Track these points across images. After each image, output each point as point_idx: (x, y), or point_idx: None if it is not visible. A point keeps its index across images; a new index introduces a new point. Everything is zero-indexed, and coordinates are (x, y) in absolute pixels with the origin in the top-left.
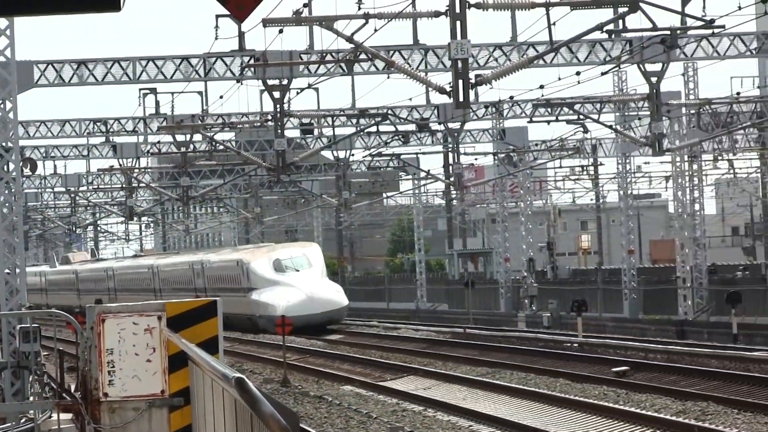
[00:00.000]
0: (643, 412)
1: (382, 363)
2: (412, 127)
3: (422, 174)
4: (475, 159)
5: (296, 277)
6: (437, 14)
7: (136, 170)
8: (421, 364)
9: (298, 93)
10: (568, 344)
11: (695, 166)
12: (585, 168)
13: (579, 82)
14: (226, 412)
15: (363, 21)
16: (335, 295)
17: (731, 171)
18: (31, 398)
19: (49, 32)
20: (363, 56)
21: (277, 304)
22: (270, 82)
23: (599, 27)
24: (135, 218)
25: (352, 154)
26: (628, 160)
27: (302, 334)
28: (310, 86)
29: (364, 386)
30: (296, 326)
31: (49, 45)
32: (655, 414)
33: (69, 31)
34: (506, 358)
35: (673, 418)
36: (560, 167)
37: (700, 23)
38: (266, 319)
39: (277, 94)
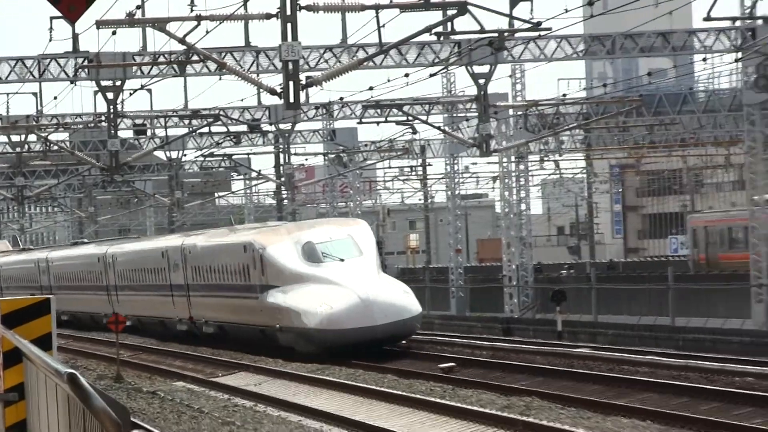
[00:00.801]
0: (469, 407)
1: (214, 359)
2: (243, 127)
3: (253, 174)
4: (306, 159)
5: (340, 270)
6: (268, 16)
7: None
8: (252, 361)
9: (131, 94)
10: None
11: (522, 167)
12: (414, 168)
13: (408, 84)
14: (59, 407)
15: (195, 23)
16: (404, 299)
17: (557, 171)
18: None
19: None
20: (195, 58)
21: (312, 312)
22: (103, 83)
23: (428, 29)
24: None
25: (185, 155)
26: (455, 161)
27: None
28: (143, 87)
29: (196, 382)
30: (345, 343)
31: None
32: (481, 409)
33: None
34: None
35: (499, 413)
36: (389, 167)
37: (527, 26)
38: (294, 334)
39: (110, 95)
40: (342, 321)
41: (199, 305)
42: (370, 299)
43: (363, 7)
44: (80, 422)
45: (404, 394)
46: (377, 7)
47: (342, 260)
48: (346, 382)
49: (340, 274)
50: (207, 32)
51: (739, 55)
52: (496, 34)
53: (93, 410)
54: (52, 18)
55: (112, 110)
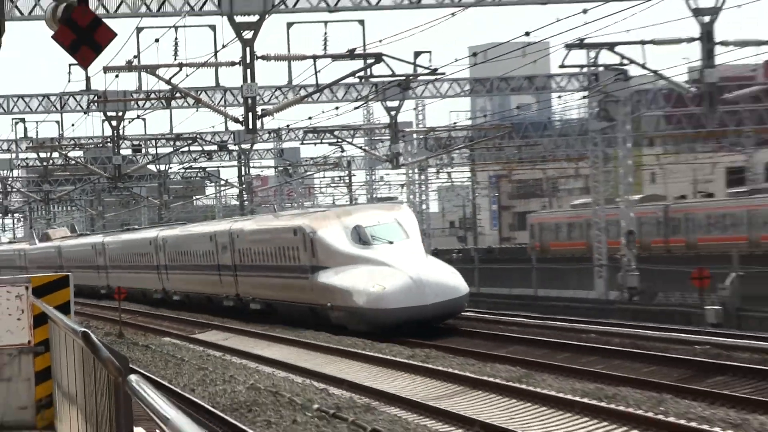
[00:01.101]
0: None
1: (193, 321)
2: (215, 147)
3: (222, 182)
4: (261, 171)
5: (389, 252)
6: (233, 64)
7: (10, 179)
8: (221, 322)
9: (130, 122)
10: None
11: (423, 177)
12: (342, 178)
13: (337, 115)
14: (75, 357)
15: (178, 68)
16: (452, 278)
17: (449, 180)
18: None
19: None
20: (178, 95)
21: (366, 291)
22: (109, 113)
23: (353, 74)
24: (9, 214)
25: (170, 168)
26: (373, 172)
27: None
28: (138, 117)
29: (179, 338)
30: (396, 322)
31: None
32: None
33: None
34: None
35: (405, 360)
36: (324, 177)
37: (427, 71)
38: (347, 312)
39: (114, 123)
40: (394, 300)
41: (247, 284)
42: (421, 279)
43: (304, 57)
44: (91, 369)
45: (336, 347)
46: (315, 57)
47: (391, 243)
48: (293, 338)
49: (390, 256)
50: (187, 75)
51: (586, 93)
52: (403, 78)
53: (101, 359)
54: (70, 65)
55: (115, 134)
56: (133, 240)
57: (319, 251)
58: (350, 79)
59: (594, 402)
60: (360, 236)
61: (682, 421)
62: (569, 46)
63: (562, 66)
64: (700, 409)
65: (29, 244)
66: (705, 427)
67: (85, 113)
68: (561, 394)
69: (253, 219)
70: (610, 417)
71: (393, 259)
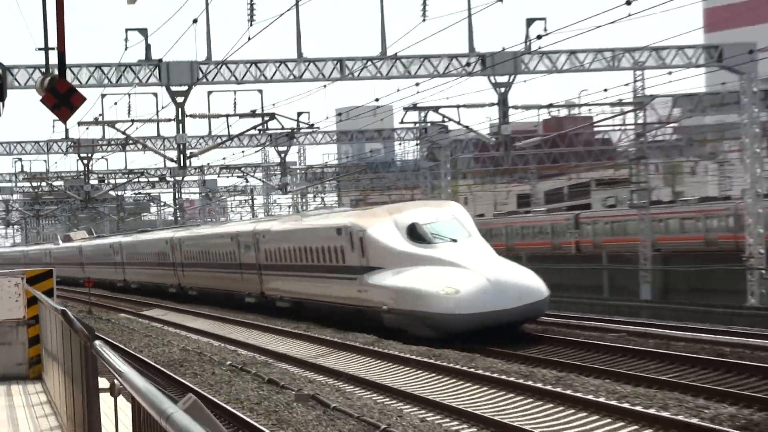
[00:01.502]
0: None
1: (140, 302)
2: (156, 179)
3: (162, 204)
4: (189, 196)
5: (455, 251)
6: (169, 120)
7: (11, 200)
8: (160, 302)
9: (96, 160)
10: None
11: (304, 200)
12: (247, 201)
13: (243, 155)
14: (56, 328)
15: (130, 123)
16: (533, 280)
17: (323, 203)
18: None
19: None
20: (131, 141)
21: (437, 295)
22: (82, 155)
23: (254, 127)
24: (10, 226)
25: (125, 193)
26: (269, 197)
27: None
28: (102, 157)
29: (131, 314)
30: (471, 328)
31: None
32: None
33: None
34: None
35: (291, 329)
36: (234, 200)
37: (306, 126)
38: (406, 316)
39: (85, 162)
40: (470, 305)
41: (273, 282)
42: (500, 281)
43: (219, 115)
44: (68, 336)
45: (244, 320)
46: (227, 115)
47: (454, 241)
48: (215, 314)
49: (457, 255)
50: (137, 128)
51: (418, 142)
52: (290, 130)
53: (74, 329)
54: (53, 120)
55: (86, 170)
56: (149, 240)
57: (371, 251)
58: (252, 131)
59: None
60: (418, 234)
61: None
62: (406, 109)
63: (401, 122)
64: None
65: (54, 244)
66: None
67: (64, 154)
68: None
69: (278, 220)
70: None
71: (461, 258)
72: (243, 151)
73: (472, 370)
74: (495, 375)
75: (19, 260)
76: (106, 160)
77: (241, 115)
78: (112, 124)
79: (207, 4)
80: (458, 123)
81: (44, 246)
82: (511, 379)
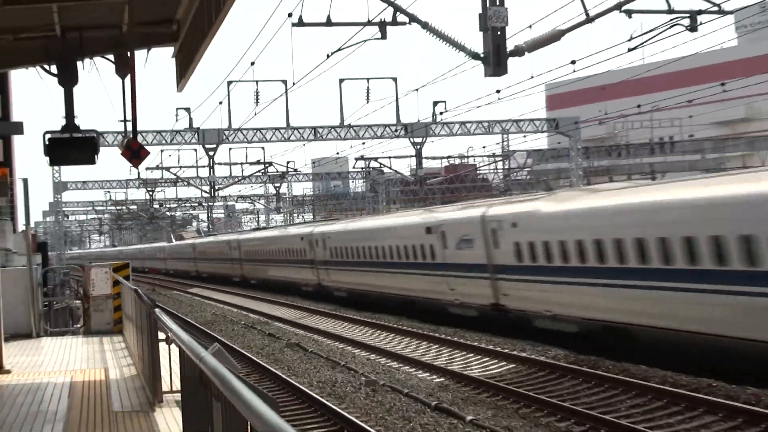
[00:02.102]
0: None
1: (183, 283)
2: (196, 204)
3: (200, 221)
4: (217, 215)
5: None
6: (204, 166)
7: (99, 221)
8: (194, 284)
9: (158, 193)
10: None
11: (290, 217)
12: (254, 218)
13: (252, 188)
14: (131, 300)
15: (179, 168)
16: None
17: (304, 219)
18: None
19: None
20: (180, 181)
21: None
22: (148, 189)
23: (259, 171)
24: (101, 234)
25: (176, 214)
26: (269, 216)
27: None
28: (161, 190)
29: (180, 292)
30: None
31: None
32: None
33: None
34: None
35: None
36: (246, 217)
37: (293, 170)
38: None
39: (149, 195)
40: None
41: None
42: None
43: (236, 164)
44: (138, 305)
45: (251, 295)
46: (242, 164)
47: None
48: (232, 291)
49: None
50: (183, 171)
51: (364, 180)
52: (282, 173)
53: (142, 300)
54: (129, 167)
55: (150, 200)
56: (278, 237)
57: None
58: (257, 173)
59: None
60: None
61: None
62: (357, 159)
63: (353, 168)
64: None
65: (167, 242)
66: None
67: (137, 188)
68: None
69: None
70: None
71: None
72: (251, 186)
73: (400, 327)
74: (416, 330)
75: (137, 255)
76: (163, 191)
77: (251, 163)
78: (167, 168)
79: (228, 92)
80: (390, 168)
81: (159, 244)
82: (424, 332)
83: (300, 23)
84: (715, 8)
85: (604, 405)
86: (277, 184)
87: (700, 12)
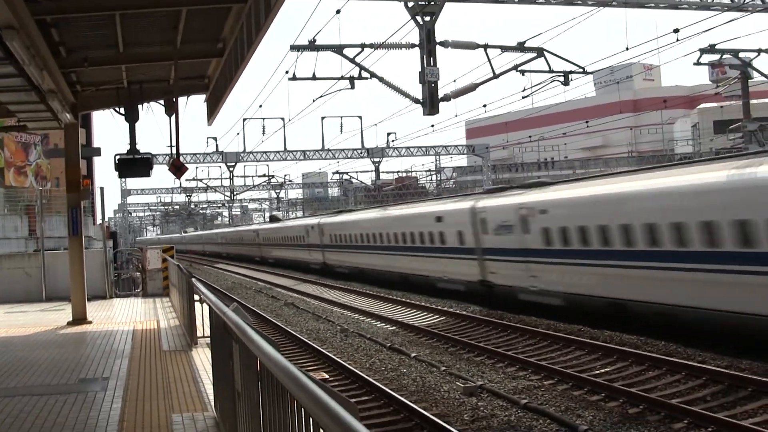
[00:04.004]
0: None
1: (213, 261)
2: (220, 206)
3: (225, 216)
4: (236, 212)
5: None
6: (226, 178)
7: (147, 215)
8: (222, 262)
9: (194, 195)
10: None
11: (286, 215)
12: (261, 215)
13: (260, 194)
14: (175, 272)
15: (209, 180)
16: None
17: (296, 216)
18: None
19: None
20: (210, 188)
21: None
22: (186, 195)
23: (264, 182)
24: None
25: (205, 211)
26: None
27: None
28: (196, 195)
29: (210, 267)
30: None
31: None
32: None
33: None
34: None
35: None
36: (257, 214)
37: (289, 181)
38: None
39: (188, 198)
40: None
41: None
42: None
43: (249, 176)
44: (180, 275)
45: (264, 269)
46: (253, 177)
47: None
48: (247, 266)
49: None
50: (211, 181)
51: (339, 188)
52: (281, 183)
53: (183, 273)
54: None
55: (189, 202)
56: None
57: None
58: (263, 183)
59: None
60: None
61: None
62: (334, 173)
63: (330, 180)
64: None
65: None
66: None
67: (179, 194)
68: None
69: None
70: None
71: None
72: (259, 192)
73: (365, 291)
74: (376, 293)
75: (235, 238)
76: (198, 196)
77: (259, 176)
78: (200, 180)
79: (243, 126)
80: (357, 179)
81: (253, 227)
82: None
83: (294, 78)
84: (581, 70)
85: (506, 344)
86: (278, 191)
87: (571, 72)
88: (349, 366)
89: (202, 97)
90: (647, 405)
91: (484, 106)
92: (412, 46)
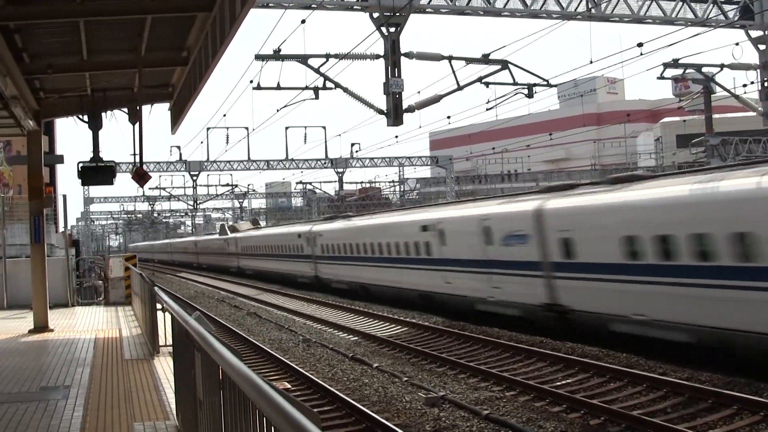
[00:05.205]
0: None
1: (180, 270)
2: (183, 215)
3: (187, 226)
4: (198, 221)
5: None
6: (190, 187)
7: (116, 224)
8: (188, 271)
9: (157, 204)
10: None
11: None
12: (224, 224)
13: (222, 203)
14: (138, 281)
15: (172, 188)
16: None
17: (259, 225)
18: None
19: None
20: (173, 197)
21: None
22: (149, 204)
23: (228, 191)
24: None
25: (169, 220)
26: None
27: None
28: (159, 204)
29: (174, 276)
30: None
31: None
32: None
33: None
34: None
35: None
36: (219, 224)
37: (253, 191)
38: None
39: (150, 207)
40: None
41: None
42: None
43: (212, 185)
44: (143, 284)
45: (232, 279)
46: (216, 186)
47: None
48: (215, 276)
49: None
50: (174, 189)
51: (302, 198)
52: (245, 192)
53: (145, 281)
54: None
55: (152, 210)
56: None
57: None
58: (227, 193)
59: None
60: None
61: None
62: (297, 183)
63: (294, 190)
64: None
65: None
66: None
67: (142, 202)
68: None
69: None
70: None
71: None
72: (222, 201)
73: (327, 301)
74: (338, 304)
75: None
76: (161, 205)
77: (222, 185)
78: (163, 188)
79: (207, 135)
80: (320, 189)
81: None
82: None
83: (258, 87)
84: (545, 82)
85: (468, 355)
86: (241, 200)
87: (535, 84)
88: (311, 376)
89: (166, 105)
90: (608, 416)
91: (448, 117)
92: (377, 57)
